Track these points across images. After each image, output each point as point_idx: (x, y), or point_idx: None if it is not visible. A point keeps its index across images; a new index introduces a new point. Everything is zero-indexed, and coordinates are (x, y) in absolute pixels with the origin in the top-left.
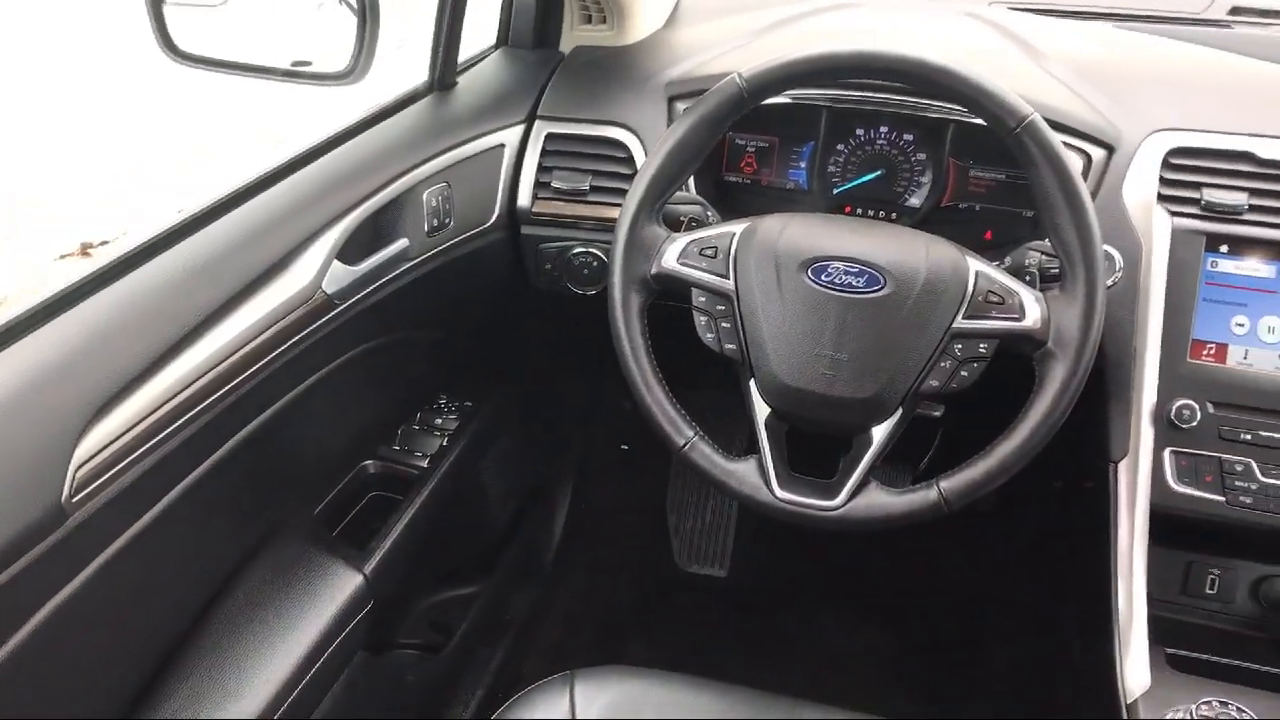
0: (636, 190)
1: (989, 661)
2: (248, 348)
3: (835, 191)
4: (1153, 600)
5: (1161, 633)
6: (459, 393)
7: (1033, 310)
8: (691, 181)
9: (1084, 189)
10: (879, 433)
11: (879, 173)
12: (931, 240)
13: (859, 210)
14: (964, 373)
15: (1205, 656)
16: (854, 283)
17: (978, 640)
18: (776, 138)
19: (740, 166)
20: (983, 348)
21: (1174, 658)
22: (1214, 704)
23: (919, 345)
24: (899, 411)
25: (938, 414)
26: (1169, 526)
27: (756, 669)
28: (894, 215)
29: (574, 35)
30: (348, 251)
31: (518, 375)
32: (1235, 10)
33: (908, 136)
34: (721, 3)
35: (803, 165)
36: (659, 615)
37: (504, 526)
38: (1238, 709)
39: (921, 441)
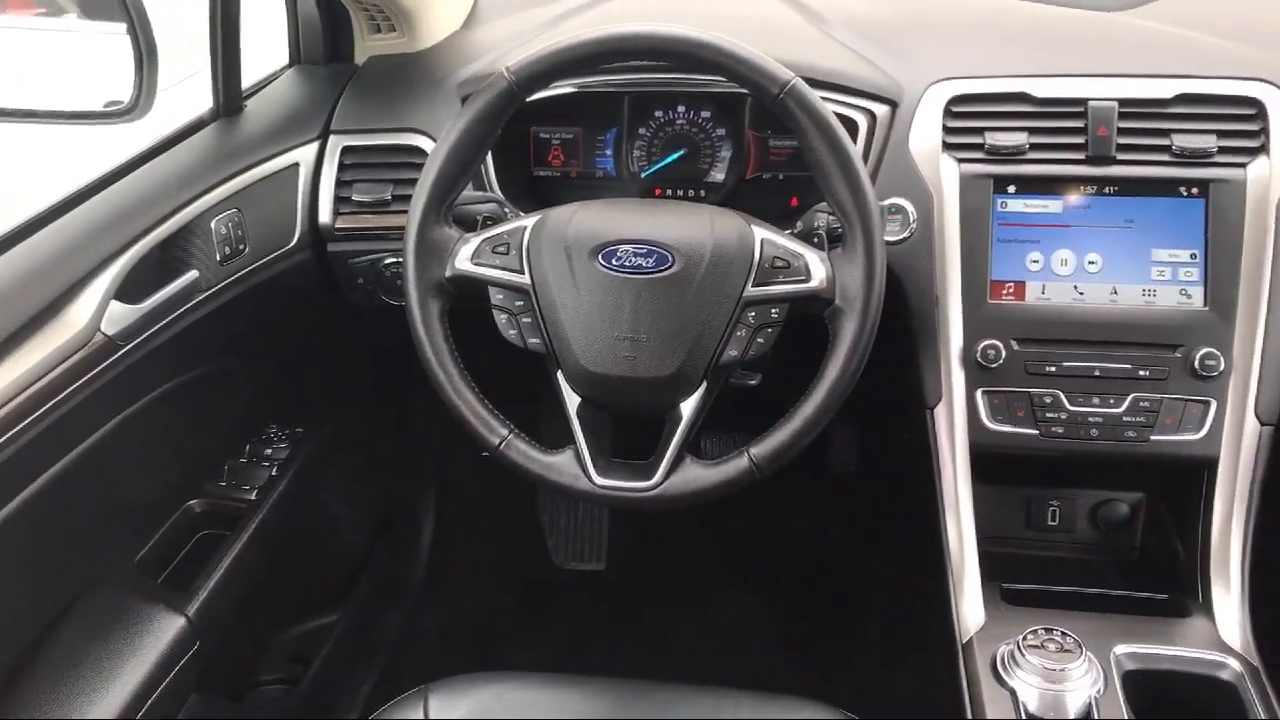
0: (419, 196)
1: (863, 622)
2: (18, 400)
3: (643, 175)
4: (996, 539)
5: (1005, 569)
6: (290, 420)
7: (818, 271)
8: (494, 179)
9: (852, 148)
10: (687, 408)
11: (681, 152)
12: (716, 213)
13: (669, 191)
14: (760, 339)
15: (1040, 587)
16: (644, 263)
17: (852, 601)
18: (580, 128)
19: (549, 160)
20: (775, 313)
21: (1009, 592)
22: (1039, 631)
23: (714, 317)
24: (704, 385)
25: (753, 382)
26: (992, 464)
27: (640, 658)
28: (702, 192)
29: (367, 46)
30: (130, 290)
31: (354, 394)
32: None
33: (705, 114)
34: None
35: (609, 153)
36: (540, 617)
37: (361, 548)
38: (1062, 633)
39: (768, 409)
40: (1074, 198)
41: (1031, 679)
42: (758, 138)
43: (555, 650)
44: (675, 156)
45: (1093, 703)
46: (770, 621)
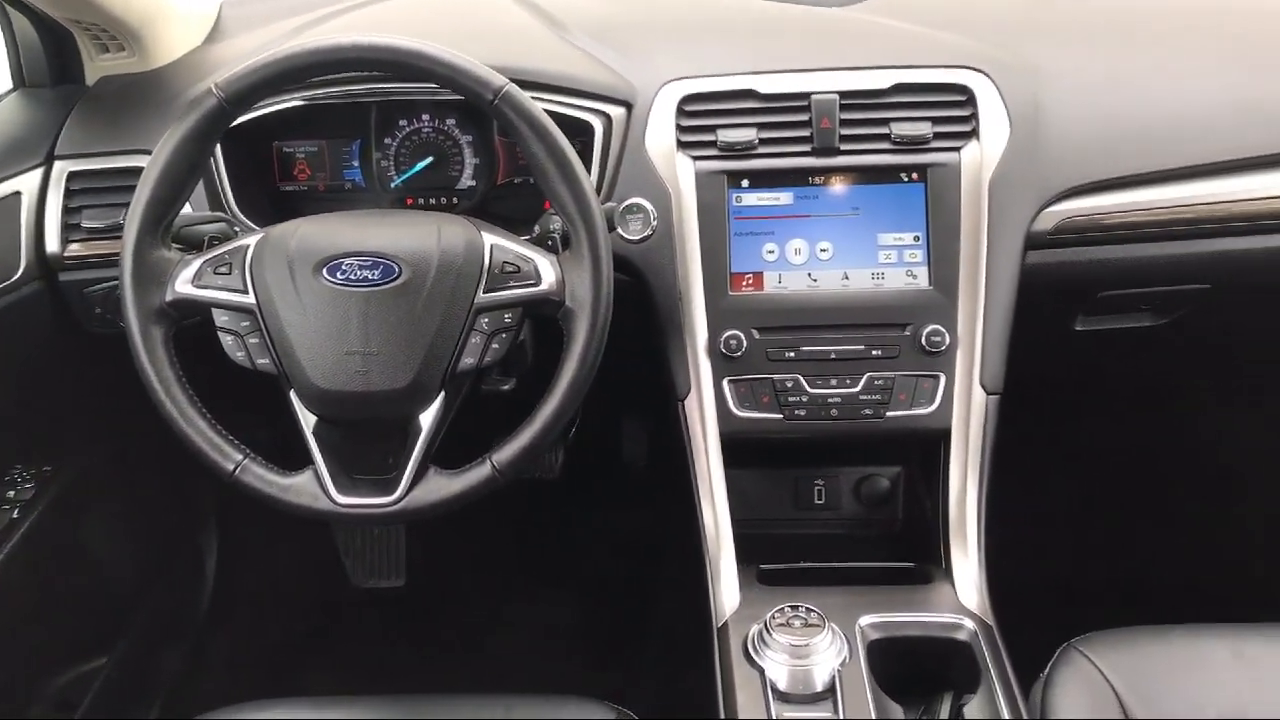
0: (131, 221)
1: (653, 613)
2: None
3: (393, 185)
4: (766, 520)
5: (771, 551)
6: (37, 459)
7: (548, 274)
8: (230, 197)
9: (571, 151)
10: (427, 419)
11: (429, 160)
12: (445, 221)
13: (420, 201)
14: (495, 345)
15: (795, 565)
16: (370, 276)
17: (647, 593)
18: (325, 140)
19: (295, 175)
20: (508, 318)
21: (765, 573)
22: (786, 609)
23: (446, 326)
24: (442, 394)
25: (507, 387)
26: (755, 448)
27: (441, 671)
28: (455, 200)
29: (96, 66)
30: None
31: (111, 426)
32: None
33: (450, 121)
34: (268, 9)
35: (355, 164)
36: (339, 639)
37: (132, 585)
38: (807, 609)
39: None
40: (804, 189)
41: (779, 656)
42: (505, 143)
43: (354, 672)
44: (423, 165)
45: (837, 674)
46: (571, 620)
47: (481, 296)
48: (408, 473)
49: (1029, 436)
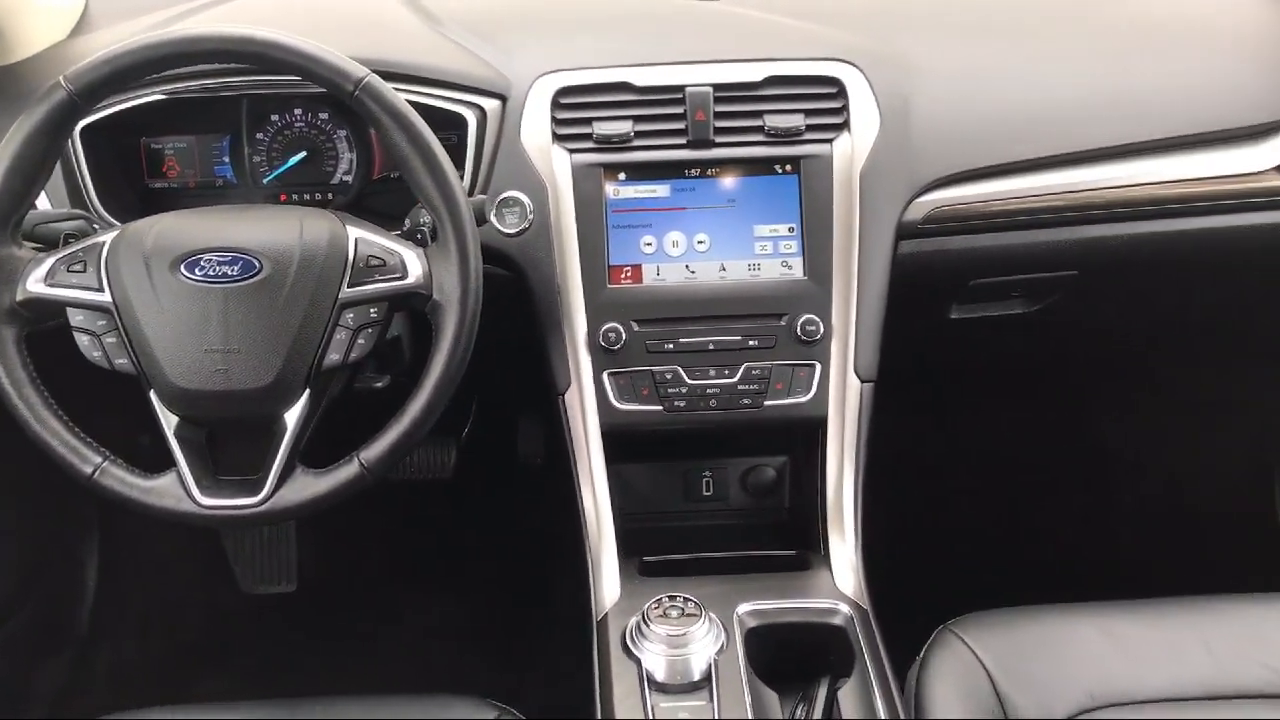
0: None
1: (544, 609)
2: None
3: (265, 181)
4: (656, 513)
5: (658, 543)
6: None
7: (414, 267)
8: (93, 194)
9: (435, 142)
10: (292, 417)
11: (302, 155)
12: (308, 216)
13: (294, 196)
14: (361, 340)
15: (677, 557)
16: (229, 272)
17: (540, 590)
18: (194, 136)
19: (164, 171)
20: (374, 312)
21: (646, 565)
22: (663, 600)
23: (309, 322)
24: (307, 392)
25: (380, 384)
26: (642, 441)
27: (334, 675)
28: (330, 195)
29: None
30: None
31: None
32: None
33: (323, 115)
34: (138, 2)
35: (226, 160)
36: (230, 647)
37: (5, 596)
38: (685, 599)
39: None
40: (680, 181)
41: (657, 647)
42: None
43: (245, 680)
44: (296, 160)
45: (714, 663)
46: (465, 619)
47: (345, 291)
48: (273, 473)
49: (909, 423)
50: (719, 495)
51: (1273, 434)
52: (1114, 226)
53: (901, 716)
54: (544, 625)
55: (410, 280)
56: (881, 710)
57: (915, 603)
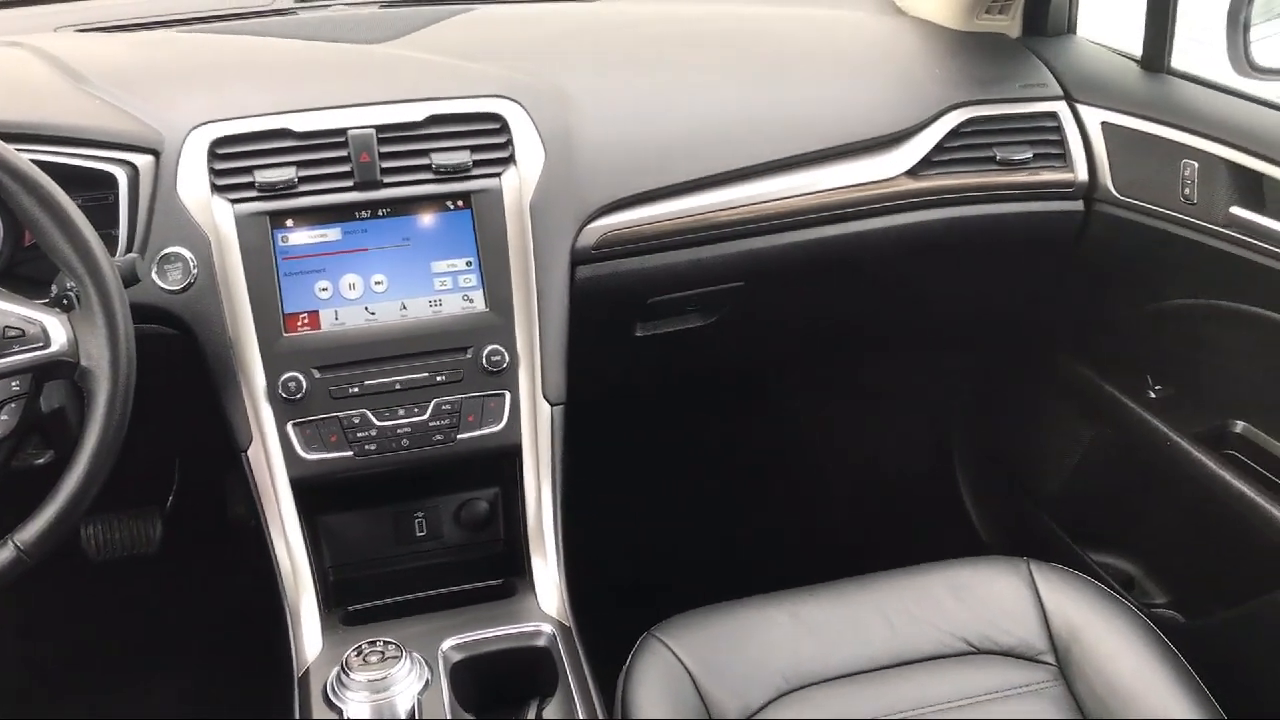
0: None
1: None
2: None
3: None
4: (366, 561)
5: (368, 591)
6: None
7: (58, 335)
8: None
9: (68, 203)
10: None
11: None
12: None
13: None
14: (5, 416)
15: (382, 602)
16: None
17: (260, 660)
18: None
19: None
20: (16, 385)
21: (351, 614)
22: (363, 646)
23: None
24: None
25: (42, 460)
26: (332, 492)
27: None
28: None
29: None
30: None
31: None
32: None
33: None
34: None
35: None
36: None
37: None
38: (385, 643)
39: (145, 486)
40: (352, 224)
41: (359, 694)
42: None
43: None
44: None
45: (417, 703)
46: (182, 700)
47: None
48: None
49: (610, 441)
50: (433, 534)
51: (947, 418)
52: (774, 237)
53: None
54: (268, 694)
55: (53, 349)
56: None
57: (633, 616)
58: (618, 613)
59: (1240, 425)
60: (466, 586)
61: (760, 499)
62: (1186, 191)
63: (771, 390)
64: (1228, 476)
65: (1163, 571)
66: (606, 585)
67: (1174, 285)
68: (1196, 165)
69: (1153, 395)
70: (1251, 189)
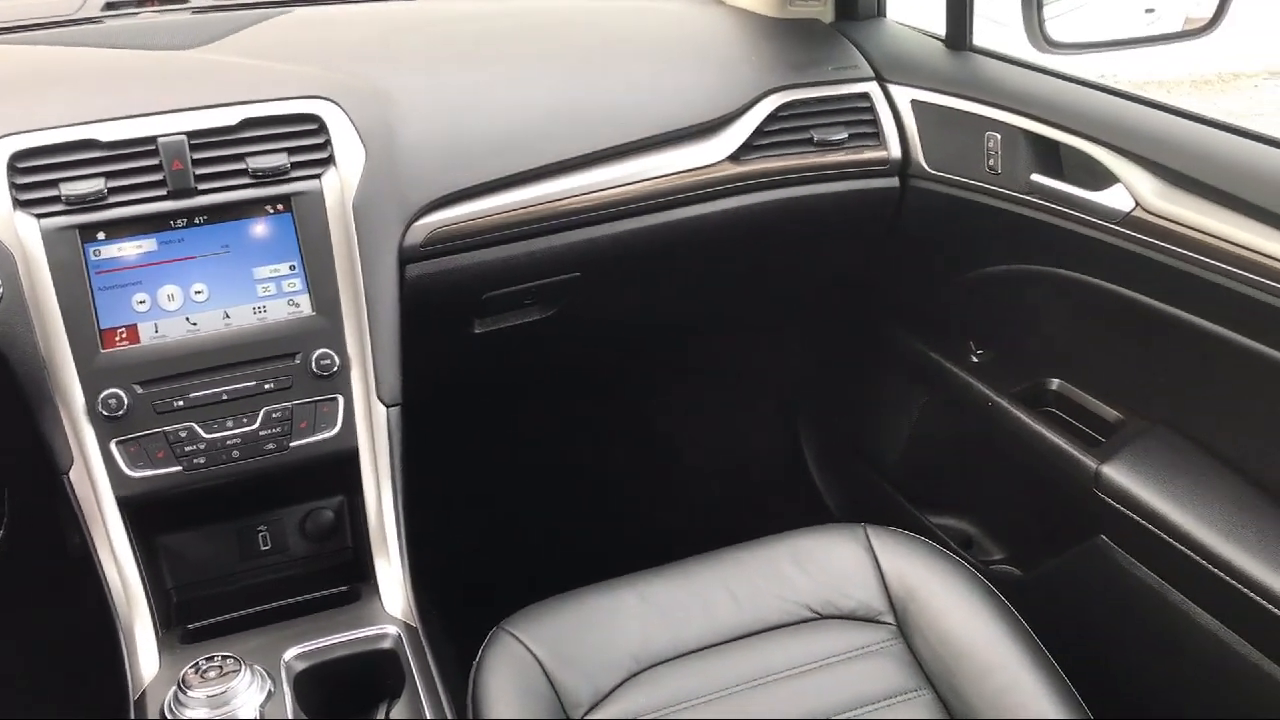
0: None
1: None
2: None
3: None
4: (210, 580)
5: (211, 608)
6: None
7: None
8: None
9: None
10: None
11: None
12: None
13: None
14: None
15: (223, 618)
16: None
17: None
18: None
19: None
20: None
21: (190, 632)
22: (200, 663)
23: None
24: None
25: None
26: (166, 510)
27: None
28: None
29: None
30: None
31: None
32: (109, 5)
33: None
34: None
35: None
36: None
37: None
38: (223, 657)
39: None
40: (168, 233)
41: (199, 711)
42: None
43: None
44: None
45: (260, 713)
46: None
47: None
48: None
49: (455, 439)
50: (279, 548)
51: (791, 394)
52: (606, 227)
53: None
54: None
55: None
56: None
57: (486, 614)
58: (470, 612)
59: (1056, 383)
60: (310, 596)
61: (612, 489)
62: (991, 162)
63: (617, 380)
64: (1045, 431)
65: (997, 528)
66: (458, 585)
67: (988, 252)
68: (999, 136)
69: (975, 359)
70: (1049, 156)
